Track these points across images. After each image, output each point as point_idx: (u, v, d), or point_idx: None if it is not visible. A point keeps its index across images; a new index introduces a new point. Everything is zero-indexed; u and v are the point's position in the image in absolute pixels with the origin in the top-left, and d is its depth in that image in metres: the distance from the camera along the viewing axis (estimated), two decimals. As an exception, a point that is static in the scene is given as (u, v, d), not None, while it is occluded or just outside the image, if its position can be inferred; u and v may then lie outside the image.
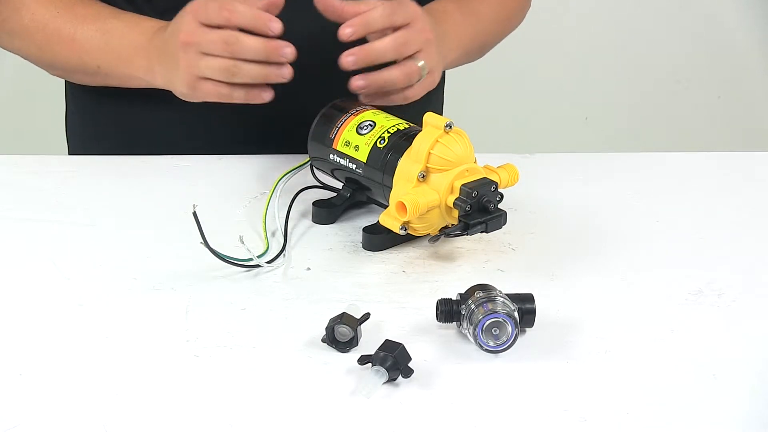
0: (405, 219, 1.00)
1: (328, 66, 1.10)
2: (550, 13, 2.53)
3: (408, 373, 0.85)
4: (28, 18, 1.21)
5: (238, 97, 1.09)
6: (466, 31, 1.25)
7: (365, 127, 1.07)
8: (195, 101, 1.12)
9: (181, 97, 1.13)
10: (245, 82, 1.07)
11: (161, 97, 1.17)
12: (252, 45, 1.05)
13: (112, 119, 1.31)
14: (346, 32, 1.06)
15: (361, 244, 1.06)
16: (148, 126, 1.27)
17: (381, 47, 1.08)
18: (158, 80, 1.15)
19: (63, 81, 1.35)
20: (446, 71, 1.34)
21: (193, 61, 1.08)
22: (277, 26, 1.06)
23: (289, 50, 1.06)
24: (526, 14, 1.39)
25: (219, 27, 1.07)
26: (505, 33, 1.36)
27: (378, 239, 1.05)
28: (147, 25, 1.17)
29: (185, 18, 1.09)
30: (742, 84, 2.75)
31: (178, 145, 1.24)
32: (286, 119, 1.20)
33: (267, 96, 1.09)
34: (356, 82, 1.08)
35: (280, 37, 1.07)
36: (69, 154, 1.40)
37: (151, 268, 1.01)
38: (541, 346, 0.91)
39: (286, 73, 1.07)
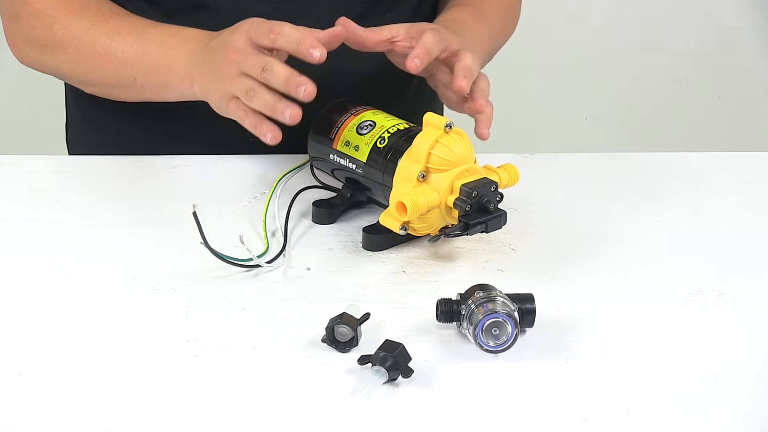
0: (405, 219, 1.00)
1: (328, 68, 1.09)
2: (550, 13, 2.53)
3: (408, 373, 0.85)
4: (61, 32, 1.18)
5: (249, 124, 1.06)
6: (482, 37, 1.26)
7: (365, 127, 1.07)
8: (225, 116, 1.11)
9: (215, 110, 1.12)
10: (259, 110, 1.05)
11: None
12: (278, 73, 1.03)
13: (113, 126, 1.30)
14: (414, 63, 1.06)
15: (361, 244, 1.06)
16: (148, 128, 1.27)
17: (431, 42, 1.08)
18: (195, 89, 1.14)
19: (63, 83, 1.35)
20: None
21: (232, 77, 1.07)
22: (318, 53, 1.03)
23: (305, 88, 1.02)
24: (518, 17, 1.40)
25: (269, 49, 1.06)
26: (509, 35, 1.38)
27: (378, 239, 1.05)
28: (187, 33, 1.16)
29: (238, 35, 1.07)
30: (742, 84, 2.74)
31: (179, 145, 1.24)
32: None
33: (271, 138, 1.05)
34: (460, 82, 1.07)
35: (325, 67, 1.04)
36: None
37: (151, 268, 1.01)
38: (541, 346, 0.91)
39: (288, 115, 1.03)
